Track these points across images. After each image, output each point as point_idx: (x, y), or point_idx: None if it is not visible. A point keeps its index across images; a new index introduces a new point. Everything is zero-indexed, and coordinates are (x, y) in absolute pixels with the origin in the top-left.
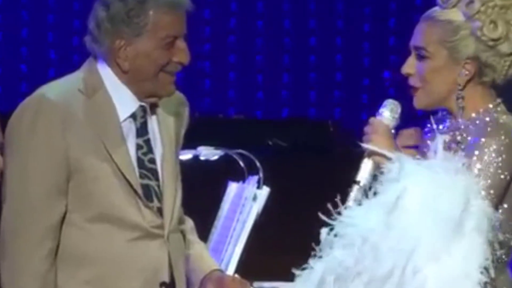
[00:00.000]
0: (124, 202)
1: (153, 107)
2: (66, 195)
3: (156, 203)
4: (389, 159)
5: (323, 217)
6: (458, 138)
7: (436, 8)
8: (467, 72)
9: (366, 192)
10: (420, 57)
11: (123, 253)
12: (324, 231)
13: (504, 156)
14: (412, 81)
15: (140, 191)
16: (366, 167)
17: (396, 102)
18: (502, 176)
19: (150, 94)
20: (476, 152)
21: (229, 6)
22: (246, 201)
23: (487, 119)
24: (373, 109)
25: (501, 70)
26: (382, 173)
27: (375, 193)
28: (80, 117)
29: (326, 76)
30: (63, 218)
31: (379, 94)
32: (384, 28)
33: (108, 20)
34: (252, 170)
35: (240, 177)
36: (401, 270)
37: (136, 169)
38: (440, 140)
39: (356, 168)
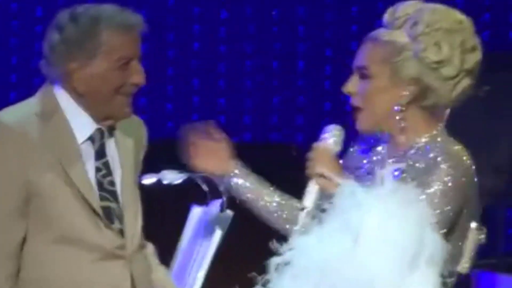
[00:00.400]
0: (85, 224)
1: (111, 130)
2: (26, 218)
3: (117, 225)
4: (337, 184)
5: (273, 245)
6: (404, 166)
7: (381, 29)
8: (408, 93)
9: (314, 218)
10: (363, 77)
11: (85, 275)
12: (273, 260)
13: (451, 185)
14: (355, 101)
15: (101, 212)
16: (312, 193)
17: (339, 127)
18: (449, 207)
19: (106, 117)
20: (427, 182)
21: (192, 30)
22: (209, 225)
23: (436, 147)
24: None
25: (444, 93)
26: (330, 199)
27: (325, 221)
28: (37, 141)
29: (288, 100)
30: (24, 241)
31: (340, 117)
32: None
33: (62, 43)
34: (215, 194)
35: (203, 201)
36: None
37: (96, 191)
38: (389, 169)
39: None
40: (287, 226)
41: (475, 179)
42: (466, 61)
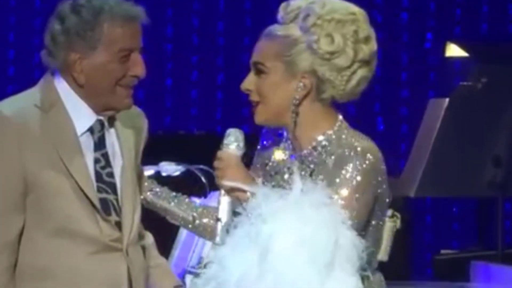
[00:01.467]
0: (82, 216)
1: (112, 121)
2: (24, 210)
3: (114, 217)
4: (247, 193)
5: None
6: (311, 165)
7: (275, 25)
8: (303, 86)
9: (228, 229)
10: (259, 72)
11: (82, 267)
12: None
13: (360, 179)
14: (252, 96)
15: (98, 205)
16: (224, 203)
17: (238, 130)
18: (361, 204)
19: (107, 108)
20: (337, 181)
21: (192, 23)
22: None
23: (341, 144)
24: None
25: (339, 85)
26: (244, 208)
27: (236, 231)
28: (36, 132)
29: None
30: (21, 233)
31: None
32: None
33: (63, 33)
34: (213, 185)
35: (202, 192)
36: None
37: (94, 183)
38: (296, 170)
39: None
40: (207, 237)
41: (384, 171)
42: (359, 51)
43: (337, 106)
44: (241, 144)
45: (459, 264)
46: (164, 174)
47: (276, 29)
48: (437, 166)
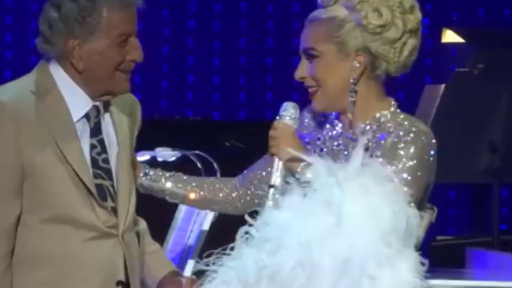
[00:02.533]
0: (78, 202)
1: (107, 107)
2: (21, 196)
3: (110, 203)
4: (303, 162)
5: (249, 218)
6: (368, 142)
7: (318, 9)
8: (358, 65)
9: (282, 194)
10: (311, 58)
11: (78, 254)
12: (242, 230)
13: (417, 162)
14: (308, 83)
15: (94, 191)
16: (278, 169)
17: (295, 104)
18: (418, 184)
19: (104, 93)
20: (395, 161)
21: (188, 7)
22: None
23: (399, 124)
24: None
25: (393, 58)
26: (299, 176)
27: (305, 198)
28: (32, 118)
29: (282, 78)
30: (18, 219)
31: None
32: None
33: (61, 20)
34: (209, 171)
35: None
36: (354, 279)
37: (90, 169)
38: (359, 144)
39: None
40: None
41: (435, 158)
42: (408, 22)
43: None
44: (296, 117)
45: (455, 250)
46: (159, 159)
47: (320, 13)
48: None
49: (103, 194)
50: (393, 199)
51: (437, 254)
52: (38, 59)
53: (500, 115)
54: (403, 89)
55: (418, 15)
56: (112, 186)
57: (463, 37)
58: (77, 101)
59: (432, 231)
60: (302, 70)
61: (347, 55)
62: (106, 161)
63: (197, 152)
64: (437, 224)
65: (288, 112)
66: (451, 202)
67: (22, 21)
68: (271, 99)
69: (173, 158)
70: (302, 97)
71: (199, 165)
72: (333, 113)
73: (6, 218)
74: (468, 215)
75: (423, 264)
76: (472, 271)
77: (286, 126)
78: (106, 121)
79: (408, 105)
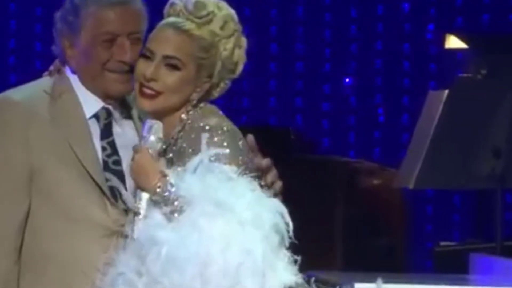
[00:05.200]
0: (90, 201)
1: (128, 111)
2: (29, 195)
3: (121, 205)
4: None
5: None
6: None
7: None
8: None
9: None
10: None
11: (88, 252)
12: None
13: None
14: None
15: (107, 190)
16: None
17: (158, 122)
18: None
19: (103, 94)
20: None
21: None
22: None
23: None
24: (334, 116)
25: None
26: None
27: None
28: (44, 118)
29: (286, 83)
30: (27, 217)
31: (339, 101)
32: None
33: (57, 20)
34: None
35: None
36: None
37: (102, 170)
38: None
39: (312, 175)
40: None
41: None
42: None
43: (338, 97)
44: (160, 136)
45: (458, 256)
46: None
47: None
48: (436, 158)
49: (114, 196)
50: (261, 196)
51: (440, 259)
52: (42, 64)
53: (503, 120)
54: (407, 95)
55: None
56: (125, 188)
57: (466, 42)
58: (88, 102)
59: (435, 237)
60: None
61: None
62: (117, 163)
63: None
64: (441, 229)
65: (151, 132)
66: (454, 207)
67: (26, 26)
68: (274, 104)
69: None
70: (305, 101)
71: None
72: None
73: (14, 215)
74: (471, 220)
75: (295, 261)
76: (476, 277)
77: (146, 156)
78: (123, 124)
79: (412, 110)
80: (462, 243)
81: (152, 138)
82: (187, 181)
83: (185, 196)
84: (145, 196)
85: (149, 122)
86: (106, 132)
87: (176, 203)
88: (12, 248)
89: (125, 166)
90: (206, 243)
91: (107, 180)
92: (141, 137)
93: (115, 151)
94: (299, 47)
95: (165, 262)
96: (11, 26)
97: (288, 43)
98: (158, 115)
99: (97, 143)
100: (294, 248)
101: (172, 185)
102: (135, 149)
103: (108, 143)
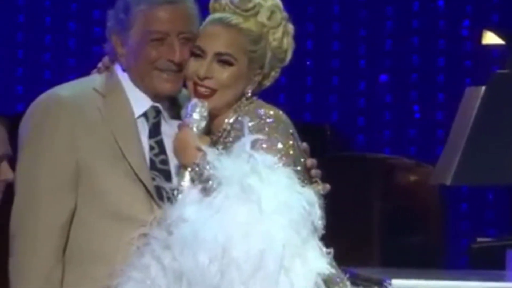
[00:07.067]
0: (135, 200)
1: (177, 110)
2: (75, 192)
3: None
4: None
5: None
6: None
7: None
8: None
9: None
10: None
11: (132, 250)
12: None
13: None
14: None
15: (152, 190)
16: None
17: (202, 101)
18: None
19: (152, 93)
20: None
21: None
22: None
23: (251, 116)
24: (370, 113)
25: None
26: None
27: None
28: (93, 116)
29: (322, 80)
30: (73, 215)
31: (375, 97)
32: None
33: (109, 18)
34: None
35: None
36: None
37: (148, 170)
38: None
39: (348, 172)
40: None
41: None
42: None
43: (374, 94)
44: (204, 114)
45: (495, 252)
46: None
47: None
48: (474, 154)
49: (160, 195)
50: (294, 186)
51: (477, 256)
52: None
53: None
54: (443, 91)
55: None
56: (171, 188)
57: (503, 38)
58: (137, 101)
59: (472, 233)
60: None
61: None
62: (164, 162)
63: None
64: (477, 226)
65: (194, 110)
66: (490, 203)
67: (61, 22)
68: (310, 101)
69: None
70: (341, 98)
71: None
72: None
73: (59, 213)
74: (507, 217)
75: (328, 252)
76: None
77: (186, 133)
78: (172, 123)
79: (447, 107)
80: (499, 239)
81: (196, 116)
82: (223, 162)
83: (218, 177)
84: (187, 175)
85: (194, 100)
86: (155, 131)
87: (210, 182)
88: (56, 246)
89: (172, 165)
90: (227, 228)
91: (153, 179)
92: (184, 115)
93: (162, 150)
94: (335, 44)
95: (183, 242)
96: (46, 24)
97: (324, 40)
98: (217, 111)
99: (145, 142)
100: (331, 244)
101: (208, 163)
102: (179, 126)
103: (156, 142)
